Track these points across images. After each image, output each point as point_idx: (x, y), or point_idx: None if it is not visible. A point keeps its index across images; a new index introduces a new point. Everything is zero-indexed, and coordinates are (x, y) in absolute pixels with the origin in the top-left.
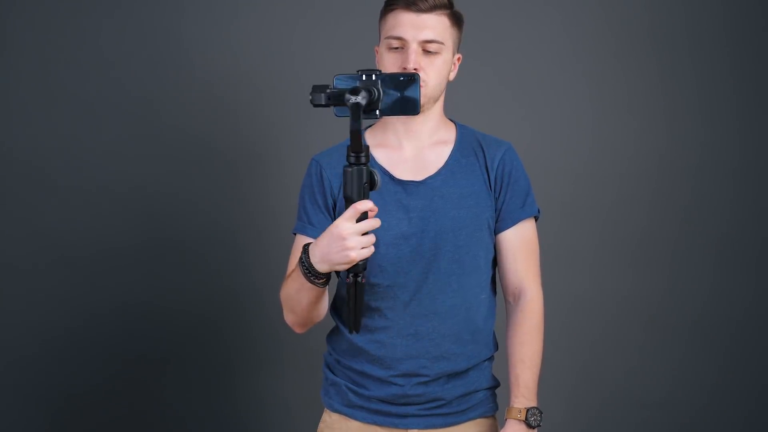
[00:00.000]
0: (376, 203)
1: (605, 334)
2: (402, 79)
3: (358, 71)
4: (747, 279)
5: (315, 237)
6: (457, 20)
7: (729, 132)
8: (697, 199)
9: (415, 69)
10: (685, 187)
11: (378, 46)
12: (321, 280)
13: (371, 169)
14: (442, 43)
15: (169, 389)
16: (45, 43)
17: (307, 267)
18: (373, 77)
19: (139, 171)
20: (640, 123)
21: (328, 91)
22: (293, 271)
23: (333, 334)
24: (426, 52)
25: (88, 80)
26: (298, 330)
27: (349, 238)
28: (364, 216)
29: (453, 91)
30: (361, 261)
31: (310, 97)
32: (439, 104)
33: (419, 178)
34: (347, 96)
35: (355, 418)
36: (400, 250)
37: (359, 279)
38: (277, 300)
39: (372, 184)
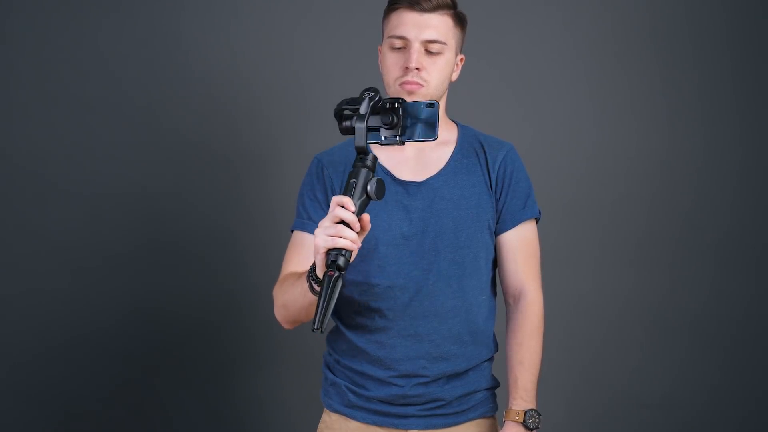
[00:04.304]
0: (377, 203)
1: (606, 335)
2: (423, 107)
3: (383, 99)
4: (747, 279)
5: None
6: (460, 21)
7: (730, 132)
8: (698, 200)
9: (417, 68)
10: (686, 187)
11: (381, 45)
12: (320, 287)
13: (373, 177)
14: (444, 44)
15: (168, 390)
16: (44, 44)
17: (312, 269)
18: (396, 105)
19: (138, 171)
20: (641, 124)
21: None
22: (301, 274)
23: (333, 334)
24: (428, 52)
25: (87, 81)
26: (286, 326)
27: (319, 225)
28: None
29: (454, 92)
30: (331, 250)
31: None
32: (441, 105)
33: (420, 178)
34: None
35: (355, 419)
36: (401, 251)
37: (328, 272)
38: None
39: (367, 188)
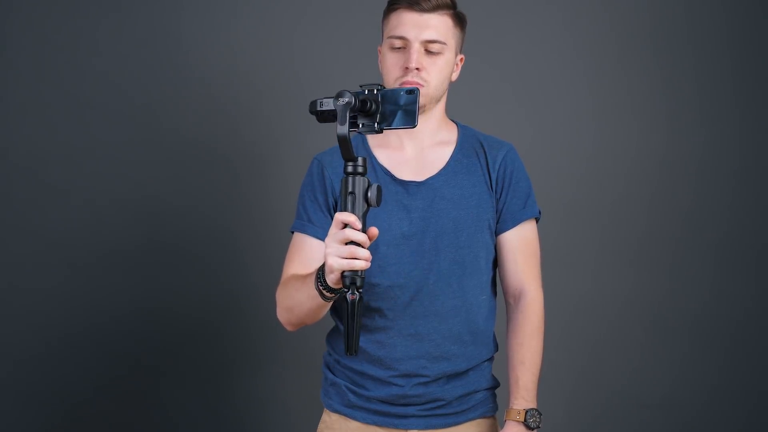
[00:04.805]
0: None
1: (606, 335)
2: (403, 93)
3: (360, 86)
4: (747, 279)
5: (315, 235)
6: (459, 21)
7: (730, 133)
8: (697, 200)
9: (417, 68)
10: (686, 187)
11: (381, 46)
12: (330, 294)
13: (370, 183)
14: (444, 43)
15: (169, 390)
16: (43, 44)
17: (320, 276)
18: (375, 91)
19: (139, 172)
20: (641, 123)
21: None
22: (305, 277)
23: (333, 334)
24: (428, 52)
25: (87, 81)
26: (289, 328)
27: (328, 244)
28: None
29: (454, 92)
30: (347, 272)
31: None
32: (441, 105)
33: (420, 178)
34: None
35: (355, 419)
36: (401, 251)
37: (347, 295)
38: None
39: (368, 197)
